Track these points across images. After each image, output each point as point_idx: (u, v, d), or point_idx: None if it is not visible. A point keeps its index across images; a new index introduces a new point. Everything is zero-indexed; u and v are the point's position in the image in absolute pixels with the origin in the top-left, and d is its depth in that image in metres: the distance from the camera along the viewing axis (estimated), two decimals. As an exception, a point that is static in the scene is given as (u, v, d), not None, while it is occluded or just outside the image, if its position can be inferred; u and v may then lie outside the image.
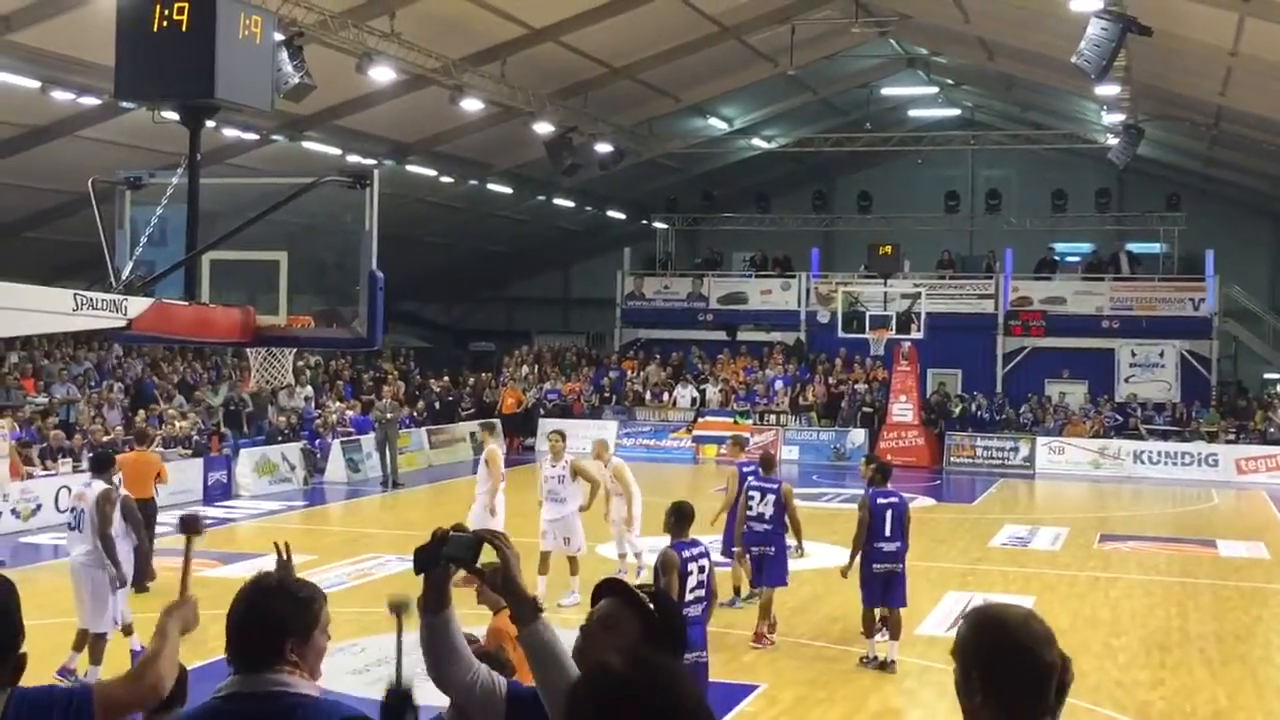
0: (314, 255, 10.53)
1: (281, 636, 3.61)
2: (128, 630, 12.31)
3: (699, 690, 2.41)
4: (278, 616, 3.64)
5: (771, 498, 14.36)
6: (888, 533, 13.21)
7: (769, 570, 14.19)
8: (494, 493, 17.26)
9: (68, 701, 3.88)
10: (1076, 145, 35.91)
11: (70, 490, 19.65)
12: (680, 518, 10.48)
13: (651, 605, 3.72)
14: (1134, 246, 39.81)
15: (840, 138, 36.16)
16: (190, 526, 4.56)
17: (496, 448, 18.22)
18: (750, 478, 14.85)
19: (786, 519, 14.31)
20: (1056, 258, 40.40)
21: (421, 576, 3.68)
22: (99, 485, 12.37)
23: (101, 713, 3.87)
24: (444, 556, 3.62)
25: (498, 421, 20.46)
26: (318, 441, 29.11)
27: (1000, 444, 34.05)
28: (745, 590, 15.59)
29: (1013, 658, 2.90)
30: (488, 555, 3.70)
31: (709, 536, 18.88)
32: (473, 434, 34.64)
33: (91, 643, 11.87)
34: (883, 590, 13.22)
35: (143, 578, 15.02)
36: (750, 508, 14.41)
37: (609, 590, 3.79)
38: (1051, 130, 36.31)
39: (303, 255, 10.00)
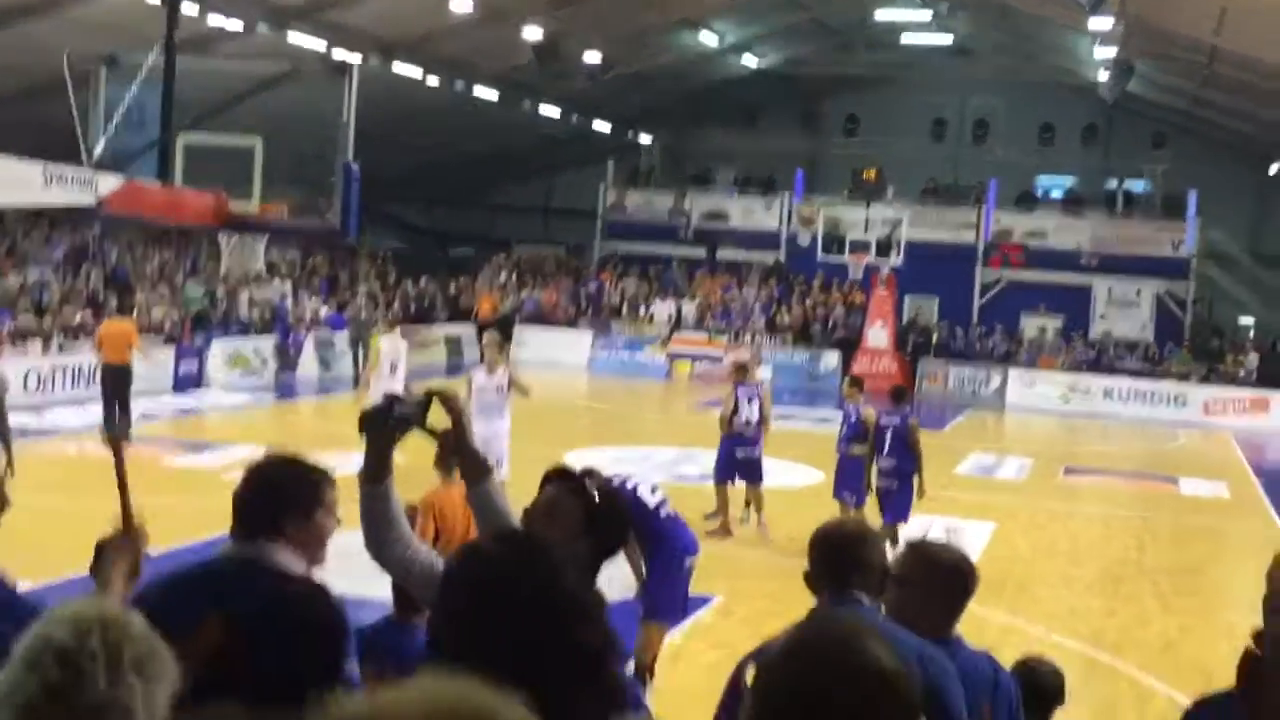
0: (292, 146, 10.47)
1: (280, 510, 3.58)
2: None
3: (571, 575, 2.35)
4: (280, 490, 3.62)
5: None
6: (885, 450, 14.00)
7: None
8: (367, 382, 17.78)
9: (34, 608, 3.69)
10: (1066, 79, 35.74)
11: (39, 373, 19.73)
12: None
13: (595, 495, 3.73)
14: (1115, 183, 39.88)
15: (831, 59, 35.90)
16: (113, 439, 4.17)
17: (385, 340, 18.18)
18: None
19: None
20: (1039, 191, 40.39)
21: (365, 440, 3.65)
22: None
23: None
24: (395, 415, 3.58)
25: (396, 327, 20.74)
26: (291, 337, 29.06)
27: (973, 374, 34.21)
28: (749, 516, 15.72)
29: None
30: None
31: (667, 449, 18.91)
32: (446, 338, 34.75)
33: None
34: (881, 505, 13.95)
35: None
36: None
37: (554, 478, 3.81)
38: (1042, 63, 36.10)
39: (280, 145, 9.97)
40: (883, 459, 14.10)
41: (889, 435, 14.09)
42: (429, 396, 3.64)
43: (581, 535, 3.63)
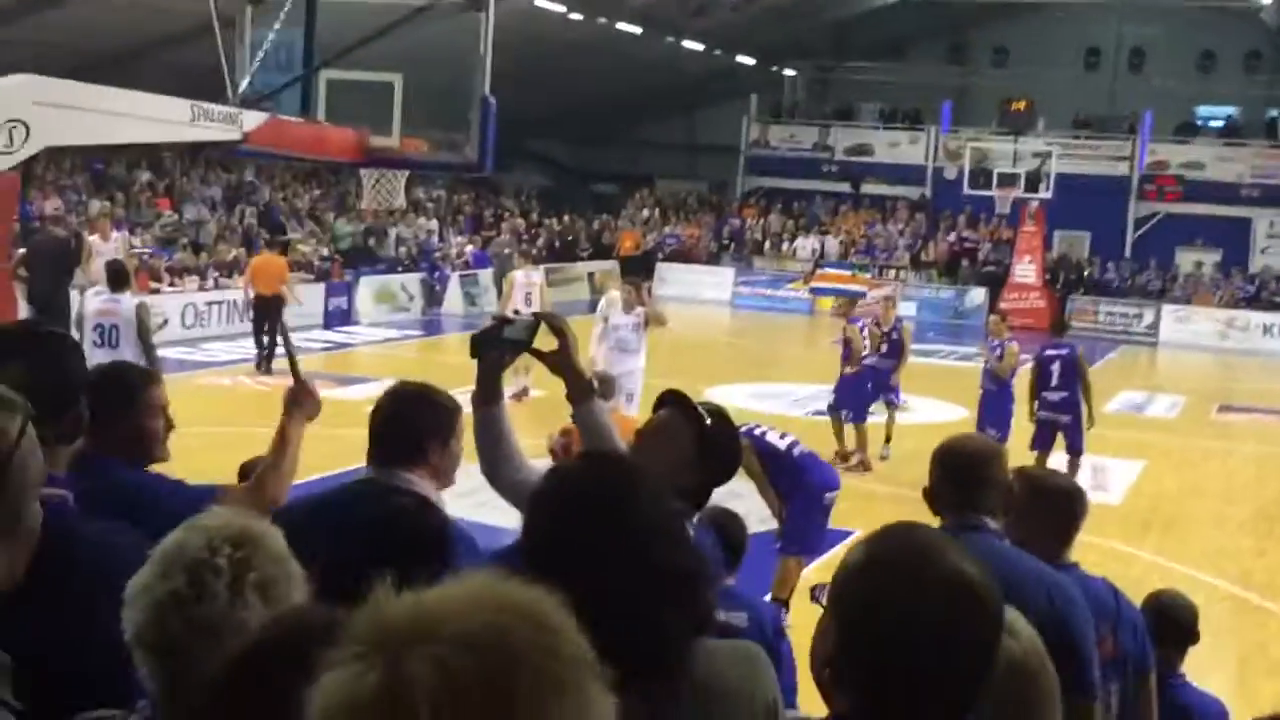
0: (431, 81, 10.56)
1: (422, 438, 3.73)
2: None
3: (653, 497, 2.31)
4: (420, 420, 3.78)
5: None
6: (1053, 383, 13.78)
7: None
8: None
9: (191, 501, 3.79)
10: (1229, 4, 34.35)
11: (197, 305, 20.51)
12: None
13: (709, 420, 3.71)
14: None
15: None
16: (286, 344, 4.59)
17: (519, 274, 19.04)
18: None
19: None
20: (1198, 121, 38.99)
21: (476, 363, 3.71)
22: (129, 298, 12.04)
23: None
24: (503, 337, 3.63)
25: (531, 260, 21.49)
26: (437, 274, 29.51)
27: (1125, 310, 33.35)
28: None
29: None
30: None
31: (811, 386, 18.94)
32: (590, 274, 34.94)
33: None
34: (1050, 437, 13.81)
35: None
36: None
37: (669, 400, 3.79)
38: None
39: (420, 81, 10.05)
40: (1052, 391, 13.80)
41: (1056, 367, 13.83)
42: (537, 319, 3.68)
43: (693, 459, 3.61)
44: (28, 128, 5.67)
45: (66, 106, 6.11)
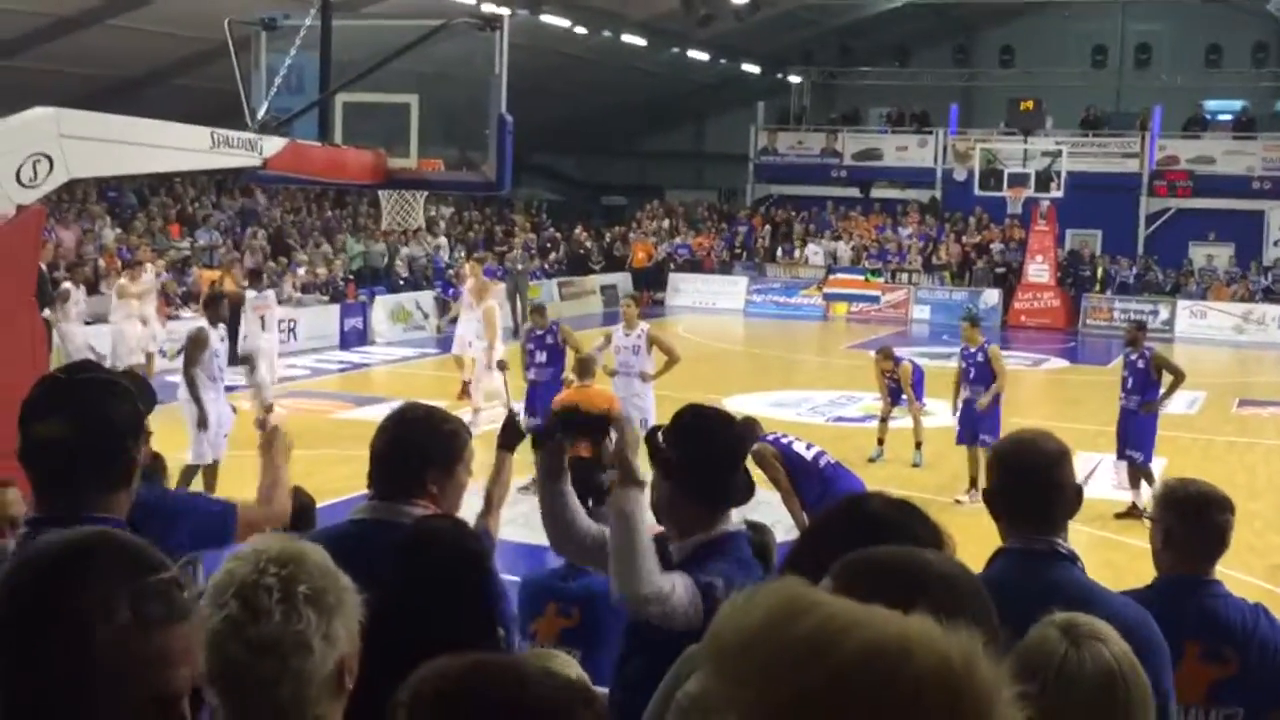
0: (446, 101, 10.60)
1: (424, 466, 3.64)
2: None
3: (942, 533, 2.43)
4: (421, 446, 3.67)
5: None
6: (1128, 388, 14.41)
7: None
8: (491, 349, 16.96)
9: (210, 514, 3.99)
10: (1235, -2, 34.29)
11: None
12: None
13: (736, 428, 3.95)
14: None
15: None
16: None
17: (494, 303, 18.08)
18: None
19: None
20: (1207, 115, 38.89)
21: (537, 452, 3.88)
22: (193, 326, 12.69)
23: (243, 530, 3.95)
24: (574, 423, 3.85)
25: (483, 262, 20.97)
26: (451, 291, 29.51)
27: (1139, 307, 33.25)
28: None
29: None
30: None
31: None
32: (602, 287, 34.94)
33: (184, 472, 12.26)
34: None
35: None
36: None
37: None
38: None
39: (435, 101, 10.08)
40: (1128, 398, 14.28)
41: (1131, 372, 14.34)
42: (606, 416, 3.86)
43: None
44: (51, 161, 5.69)
45: (90, 138, 6.13)
